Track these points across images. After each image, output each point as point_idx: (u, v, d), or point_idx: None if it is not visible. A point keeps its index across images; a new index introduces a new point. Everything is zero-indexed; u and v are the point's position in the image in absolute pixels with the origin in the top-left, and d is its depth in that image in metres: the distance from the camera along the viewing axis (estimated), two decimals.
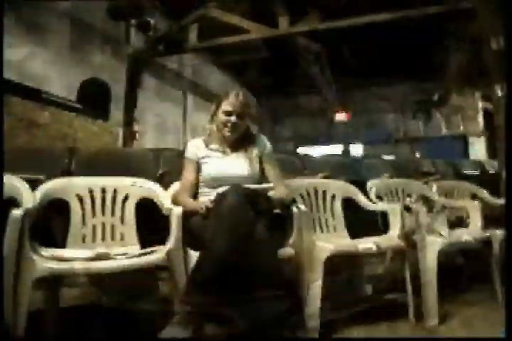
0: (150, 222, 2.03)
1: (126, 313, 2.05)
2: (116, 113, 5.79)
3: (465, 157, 9.78)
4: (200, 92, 9.09)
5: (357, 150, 10.48)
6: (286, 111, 11.97)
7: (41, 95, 3.87)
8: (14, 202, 1.77)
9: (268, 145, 2.14)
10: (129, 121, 6.07)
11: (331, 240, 2.22)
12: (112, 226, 1.99)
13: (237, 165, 2.02)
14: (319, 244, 1.95)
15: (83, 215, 1.95)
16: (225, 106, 1.99)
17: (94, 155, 2.67)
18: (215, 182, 1.98)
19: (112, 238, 1.98)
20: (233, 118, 1.98)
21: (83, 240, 1.92)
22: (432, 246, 2.13)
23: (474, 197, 3.08)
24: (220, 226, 1.56)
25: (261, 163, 2.08)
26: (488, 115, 8.31)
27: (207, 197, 1.92)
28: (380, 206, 2.43)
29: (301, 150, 11.63)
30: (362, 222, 2.54)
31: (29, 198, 1.76)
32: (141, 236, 2.01)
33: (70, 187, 1.97)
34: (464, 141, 10.16)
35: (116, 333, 1.87)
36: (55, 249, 1.74)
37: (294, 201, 2.15)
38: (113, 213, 2.01)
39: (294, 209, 1.98)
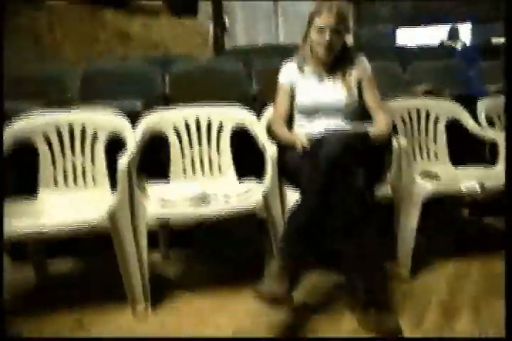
0: (244, 152, 2.07)
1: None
2: (204, 6, 5.46)
3: None
4: None
5: (466, 31, 9.10)
6: None
7: (129, 2, 3.69)
8: (118, 140, 1.87)
9: (368, 66, 1.96)
10: (217, 13, 5.76)
11: (432, 168, 2.13)
12: (209, 158, 2.05)
13: (334, 91, 1.90)
14: (418, 183, 1.87)
15: (181, 147, 2.02)
16: (318, 22, 1.81)
17: (187, 75, 2.64)
18: (311, 109, 1.90)
19: (210, 169, 2.05)
20: (327, 35, 1.79)
21: (184, 172, 2.02)
22: None
23: None
24: (316, 176, 1.52)
25: (360, 86, 1.93)
26: None
27: (302, 129, 1.90)
28: (490, 133, 2.21)
29: (401, 33, 10.44)
30: (467, 148, 2.36)
31: (132, 138, 1.84)
32: (235, 166, 2.06)
33: (167, 120, 2.00)
34: None
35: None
36: (159, 184, 1.86)
37: (394, 129, 2.01)
38: (209, 143, 2.05)
39: (394, 143, 1.88)
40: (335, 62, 1.91)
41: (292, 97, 1.95)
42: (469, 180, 1.91)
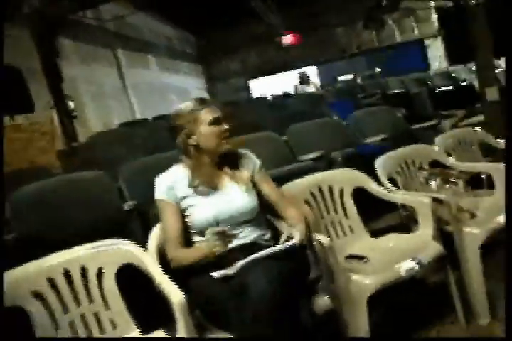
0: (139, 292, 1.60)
1: None
2: (42, 95, 4.88)
3: (424, 62, 9.42)
4: (132, 45, 8.03)
5: (312, 73, 9.84)
6: (231, 44, 10.95)
7: None
8: None
9: (257, 160, 1.72)
10: (59, 100, 5.20)
11: (353, 247, 1.94)
12: (96, 315, 1.54)
13: (234, 200, 1.60)
14: (357, 281, 1.60)
15: (51, 315, 1.47)
16: (208, 114, 1.55)
17: (33, 200, 2.08)
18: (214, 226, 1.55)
19: (102, 329, 1.54)
20: (226, 125, 1.58)
21: None
22: (472, 241, 1.84)
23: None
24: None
25: (254, 184, 1.68)
26: (443, 13, 7.70)
27: None
28: (399, 197, 2.06)
29: (253, 84, 10.90)
30: (377, 206, 2.19)
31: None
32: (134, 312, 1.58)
33: (20, 284, 1.45)
34: (420, 45, 9.69)
35: None
36: None
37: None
38: (90, 298, 1.54)
39: (316, 244, 1.60)
40: (222, 162, 1.65)
41: (181, 215, 1.61)
42: (402, 257, 1.70)
